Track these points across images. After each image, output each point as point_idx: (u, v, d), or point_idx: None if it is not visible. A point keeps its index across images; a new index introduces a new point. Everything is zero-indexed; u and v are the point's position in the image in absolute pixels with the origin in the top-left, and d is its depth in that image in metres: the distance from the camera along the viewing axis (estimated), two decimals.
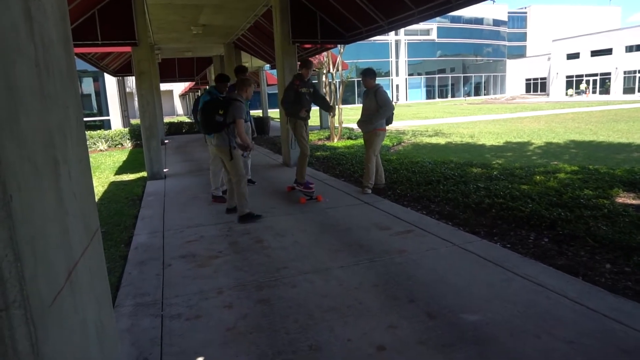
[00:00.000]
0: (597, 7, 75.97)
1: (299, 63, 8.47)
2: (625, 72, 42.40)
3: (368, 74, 6.08)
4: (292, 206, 5.62)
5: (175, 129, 19.88)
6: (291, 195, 6.19)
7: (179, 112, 56.43)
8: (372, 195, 5.95)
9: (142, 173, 9.05)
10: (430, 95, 61.30)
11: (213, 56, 18.21)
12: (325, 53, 14.28)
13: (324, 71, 17.29)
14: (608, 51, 43.90)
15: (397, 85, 58.35)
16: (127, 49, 9.39)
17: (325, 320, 2.79)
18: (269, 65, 15.85)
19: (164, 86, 26.11)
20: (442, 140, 13.52)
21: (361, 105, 6.37)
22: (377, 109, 5.88)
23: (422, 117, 25.60)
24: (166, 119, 24.50)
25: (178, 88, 50.13)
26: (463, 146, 12.01)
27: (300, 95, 5.88)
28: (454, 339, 2.51)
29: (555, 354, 2.33)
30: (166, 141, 15.71)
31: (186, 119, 28.68)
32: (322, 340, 2.57)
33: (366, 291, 3.15)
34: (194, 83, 28.64)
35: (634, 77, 41.67)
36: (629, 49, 42.00)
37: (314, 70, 22.11)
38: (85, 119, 19.73)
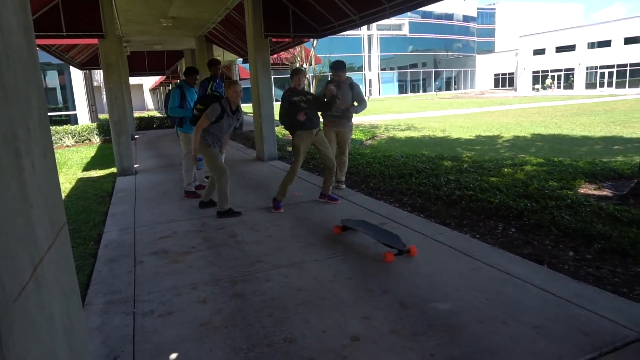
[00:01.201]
0: (561, 4, 78.13)
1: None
2: (587, 68, 43.92)
3: (342, 67, 5.71)
4: (267, 201, 5.60)
5: (145, 124, 19.45)
6: (265, 190, 6.16)
7: (149, 106, 55.21)
8: (346, 189, 5.99)
9: (112, 169, 8.83)
10: (402, 89, 61.98)
11: (184, 49, 17.87)
12: (298, 47, 14.23)
13: (297, 65, 17.21)
14: (571, 47, 45.37)
15: (370, 80, 58.73)
16: (94, 41, 9.13)
17: (300, 313, 2.81)
18: (241, 59, 15.68)
19: (133, 80, 25.47)
20: (414, 134, 13.71)
21: None
22: (355, 104, 5.67)
23: (394, 112, 25.87)
24: (136, 114, 23.95)
25: (148, 82, 48.98)
26: (434, 140, 12.22)
27: (293, 104, 5.21)
28: (426, 327, 2.57)
29: (522, 339, 2.42)
30: (136, 136, 15.36)
31: (157, 114, 28.10)
32: (297, 332, 2.59)
33: (341, 284, 3.18)
34: (164, 77, 28.06)
35: (596, 72, 43.22)
36: (591, 45, 43.51)
37: (286, 64, 22.02)
38: (50, 113, 19.04)
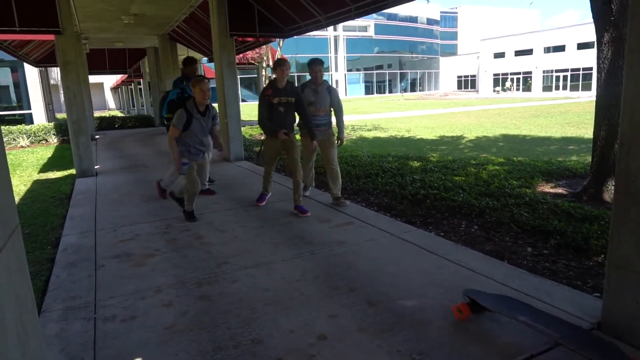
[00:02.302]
0: (519, 9, 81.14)
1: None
2: (544, 72, 45.71)
3: (319, 63, 4.98)
4: (233, 201, 5.54)
5: (107, 123, 18.85)
6: (232, 191, 6.09)
7: (111, 106, 53.50)
8: (313, 189, 6.00)
9: (70, 170, 8.51)
10: (368, 90, 62.64)
11: (147, 48, 17.42)
12: (264, 47, 14.14)
13: (264, 65, 17.10)
14: (529, 52, 47.10)
15: (337, 81, 59.03)
16: (50, 37, 8.76)
17: (267, 313, 2.79)
18: (206, 58, 15.44)
19: (93, 78, 24.60)
20: (381, 135, 13.89)
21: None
22: (335, 111, 5.12)
23: (361, 112, 26.12)
24: (97, 114, 23.17)
25: (109, 81, 47.44)
26: (400, 140, 12.41)
27: (272, 108, 4.62)
28: (392, 324, 2.61)
29: (486, 332, 2.49)
30: (97, 137, 14.85)
31: (119, 114, 27.27)
32: (265, 333, 2.57)
33: (308, 283, 3.18)
34: (126, 76, 27.26)
35: (551, 76, 45.02)
36: (547, 50, 45.31)
37: (252, 64, 21.80)
38: (2, 112, 18.09)
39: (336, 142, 5.15)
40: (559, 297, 2.84)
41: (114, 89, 48.73)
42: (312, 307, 2.85)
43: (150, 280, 3.35)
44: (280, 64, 4.65)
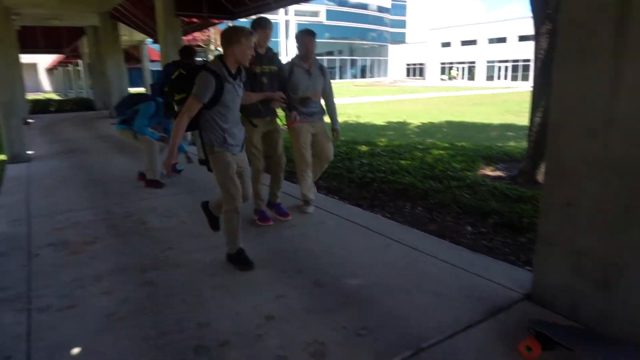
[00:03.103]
0: (465, 0, 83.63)
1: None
2: (487, 62, 47.55)
3: (312, 35, 4.01)
4: (179, 186, 5.39)
5: (41, 107, 17.69)
6: (179, 176, 5.92)
7: (46, 88, 50.12)
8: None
9: (1, 156, 7.93)
10: None
11: (86, 26, 16.40)
12: (212, 29, 13.73)
13: (212, 48, 16.63)
14: (474, 42, 48.78)
15: None
16: None
17: (214, 298, 2.76)
18: (151, 39, 14.77)
19: (25, 58, 22.91)
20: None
21: None
22: (327, 96, 4.26)
23: None
24: (30, 96, 21.64)
25: (44, 61, 44.32)
26: (350, 125, 12.54)
27: (255, 79, 3.70)
28: (338, 303, 2.66)
29: (426, 306, 2.60)
30: (30, 120, 13.90)
31: (55, 96, 25.67)
32: (211, 316, 2.54)
33: (256, 266, 3.17)
34: (63, 56, 25.60)
35: (494, 66, 46.94)
36: (491, 41, 47.11)
37: (201, 47, 21.12)
38: None
39: (329, 134, 4.28)
40: (495, 271, 3.01)
41: (50, 70, 45.63)
42: (260, 289, 2.85)
43: (89, 268, 3.22)
44: (262, 24, 3.70)
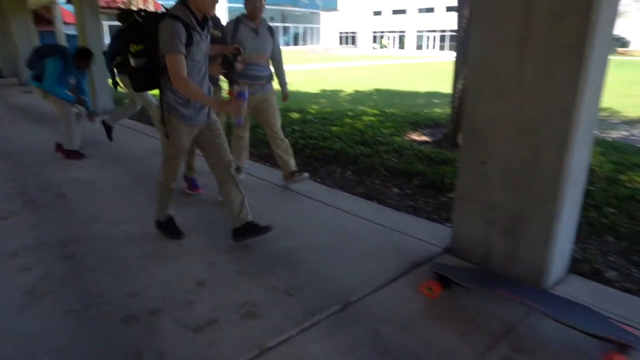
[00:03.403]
0: None
1: None
2: (417, 31, 48.65)
3: None
4: (101, 158, 5.10)
5: None
6: (99, 146, 5.58)
7: None
8: None
9: None
10: None
11: None
12: None
13: (133, 7, 15.48)
14: (404, 11, 49.57)
15: None
16: None
17: (142, 267, 2.70)
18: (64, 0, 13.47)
19: None
20: None
21: None
22: (275, 60, 3.96)
23: None
24: None
25: None
26: None
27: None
28: (270, 265, 2.71)
29: (354, 263, 2.72)
30: None
31: None
32: (139, 285, 2.50)
33: (186, 234, 3.12)
34: None
35: (423, 35, 48.17)
36: (420, 10, 48.09)
37: (118, 10, 19.60)
38: None
39: (277, 102, 4.04)
40: (418, 228, 3.20)
41: None
42: (190, 256, 2.83)
43: (3, 245, 3.00)
44: None
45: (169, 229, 3.08)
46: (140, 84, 2.71)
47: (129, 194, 3.93)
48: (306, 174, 4.01)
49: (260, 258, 2.79)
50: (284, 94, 4.17)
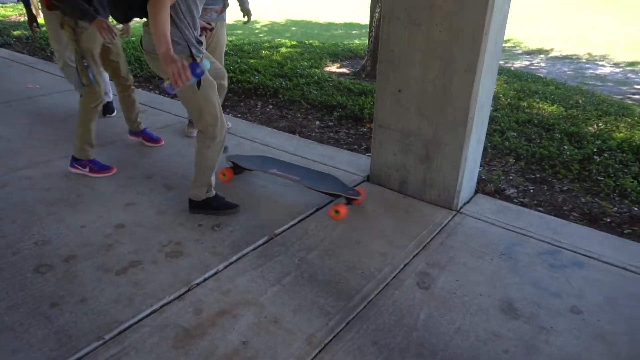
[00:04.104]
0: None
1: None
2: None
3: None
4: None
5: None
6: None
7: None
8: None
9: None
10: None
11: None
12: None
13: None
14: None
15: None
16: None
17: (52, 213, 2.51)
18: None
19: None
20: None
21: None
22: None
23: None
24: None
25: None
26: None
27: None
28: None
29: (279, 197, 2.75)
30: None
31: None
32: (51, 233, 2.33)
33: (98, 177, 2.93)
34: None
35: None
36: None
37: None
38: None
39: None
40: (340, 159, 3.28)
41: None
42: (106, 199, 2.67)
43: None
44: None
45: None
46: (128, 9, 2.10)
47: (27, 138, 3.54)
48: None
49: (182, 197, 2.71)
50: (245, 11, 3.62)
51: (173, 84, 1.85)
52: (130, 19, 2.28)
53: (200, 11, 2.19)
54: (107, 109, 4.00)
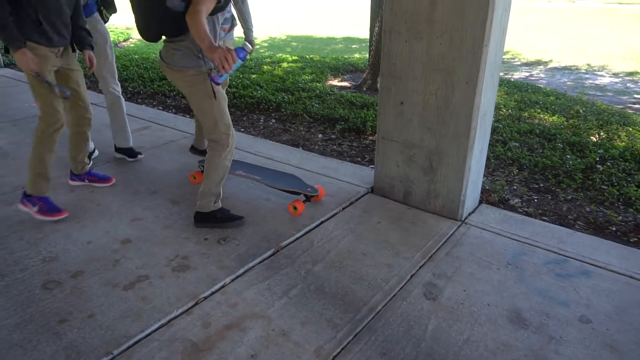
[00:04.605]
0: None
1: None
2: None
3: None
4: None
5: None
6: None
7: None
8: (99, 95, 5.33)
9: None
10: None
11: None
12: None
13: None
14: None
15: None
16: None
17: (57, 230, 2.53)
18: None
19: None
20: None
21: None
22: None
23: None
24: None
25: None
26: None
27: None
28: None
29: (284, 210, 2.76)
30: None
31: None
32: (58, 249, 2.34)
33: (103, 192, 2.95)
34: None
35: None
36: None
37: None
38: None
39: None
40: (344, 171, 3.30)
41: None
42: (112, 215, 2.69)
43: None
44: None
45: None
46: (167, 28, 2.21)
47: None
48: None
49: (187, 211, 2.72)
50: (249, 40, 3.47)
51: (220, 69, 1.98)
52: (160, 38, 2.32)
53: (219, 29, 2.32)
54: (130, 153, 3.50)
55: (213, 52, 1.95)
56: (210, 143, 2.40)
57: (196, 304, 1.97)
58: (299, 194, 2.78)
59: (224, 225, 2.53)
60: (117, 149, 3.47)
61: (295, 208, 2.68)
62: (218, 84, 2.15)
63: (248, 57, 3.49)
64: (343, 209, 2.78)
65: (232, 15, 3.26)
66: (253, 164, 3.24)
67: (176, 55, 2.22)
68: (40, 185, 2.58)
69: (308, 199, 2.77)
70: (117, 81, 3.33)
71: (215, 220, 2.53)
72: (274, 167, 3.30)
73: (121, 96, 3.35)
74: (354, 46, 11.29)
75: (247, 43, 2.28)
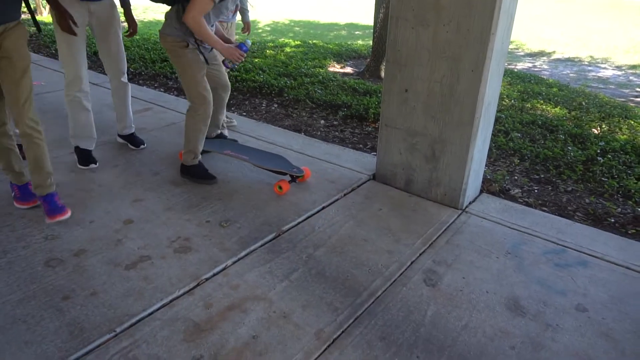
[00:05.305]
0: None
1: None
2: None
3: None
4: None
5: None
6: None
7: None
8: (101, 76, 5.30)
9: None
10: None
11: None
12: None
13: None
14: None
15: None
16: None
17: None
18: None
19: None
20: None
21: None
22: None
23: None
24: None
25: None
26: None
27: None
28: (200, 199, 2.67)
29: (286, 194, 2.76)
30: None
31: None
32: (60, 228, 2.35)
33: (106, 173, 2.95)
34: None
35: None
36: None
37: None
38: None
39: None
40: (346, 158, 3.30)
41: None
42: (113, 196, 2.69)
43: None
44: None
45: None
46: None
47: None
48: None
49: (189, 193, 2.73)
50: (246, 22, 3.88)
51: (234, 62, 2.61)
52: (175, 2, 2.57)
53: (215, 24, 2.68)
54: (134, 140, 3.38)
55: (226, 52, 2.54)
56: (188, 106, 2.75)
57: (198, 284, 1.98)
58: (285, 174, 2.85)
59: (197, 180, 2.86)
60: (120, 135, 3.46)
61: (280, 187, 2.75)
62: (228, 68, 2.87)
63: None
64: (345, 195, 2.79)
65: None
66: (243, 144, 3.33)
67: (165, 23, 2.59)
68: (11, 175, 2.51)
69: (294, 179, 2.85)
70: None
71: (192, 174, 2.88)
72: (276, 152, 3.30)
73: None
74: (357, 32, 11.20)
75: (248, 40, 2.69)
